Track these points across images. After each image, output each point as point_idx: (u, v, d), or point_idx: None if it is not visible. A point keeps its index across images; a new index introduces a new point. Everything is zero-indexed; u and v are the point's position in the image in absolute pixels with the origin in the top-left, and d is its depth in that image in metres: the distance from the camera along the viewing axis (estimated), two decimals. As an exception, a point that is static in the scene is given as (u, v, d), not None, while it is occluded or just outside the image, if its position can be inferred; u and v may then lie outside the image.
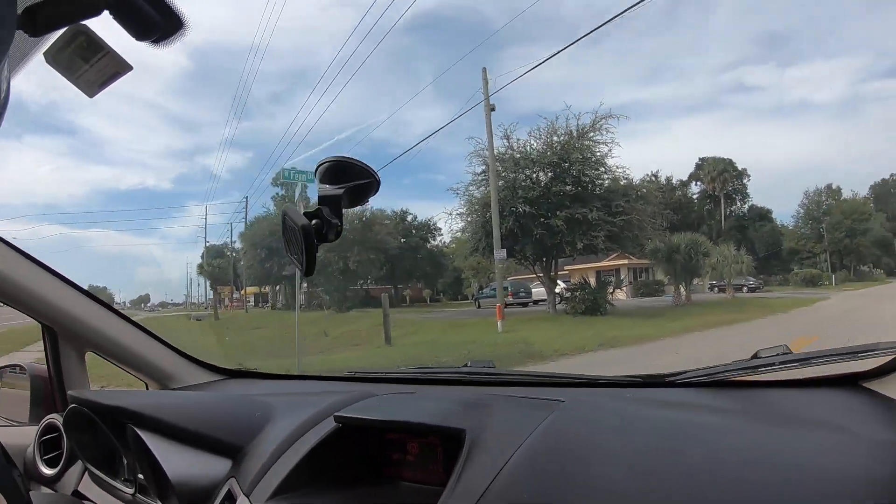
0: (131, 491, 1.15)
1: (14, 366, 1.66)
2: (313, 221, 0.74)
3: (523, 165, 16.70)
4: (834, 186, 41.04)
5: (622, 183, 16.97)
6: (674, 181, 41.97)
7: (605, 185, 16.90)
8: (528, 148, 17.09)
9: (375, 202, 26.47)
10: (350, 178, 0.79)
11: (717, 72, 60.88)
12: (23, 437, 1.50)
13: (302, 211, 0.75)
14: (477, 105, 15.54)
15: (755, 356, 1.03)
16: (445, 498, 0.75)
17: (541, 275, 18.02)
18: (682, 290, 21.64)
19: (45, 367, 1.52)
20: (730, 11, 52.65)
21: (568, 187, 16.09)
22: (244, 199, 35.70)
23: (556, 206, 15.79)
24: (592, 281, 21.16)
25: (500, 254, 15.24)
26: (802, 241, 38.46)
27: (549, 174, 16.43)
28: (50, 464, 1.44)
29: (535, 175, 16.64)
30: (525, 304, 22.03)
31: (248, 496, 0.93)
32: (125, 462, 1.18)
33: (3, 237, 1.26)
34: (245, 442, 1.07)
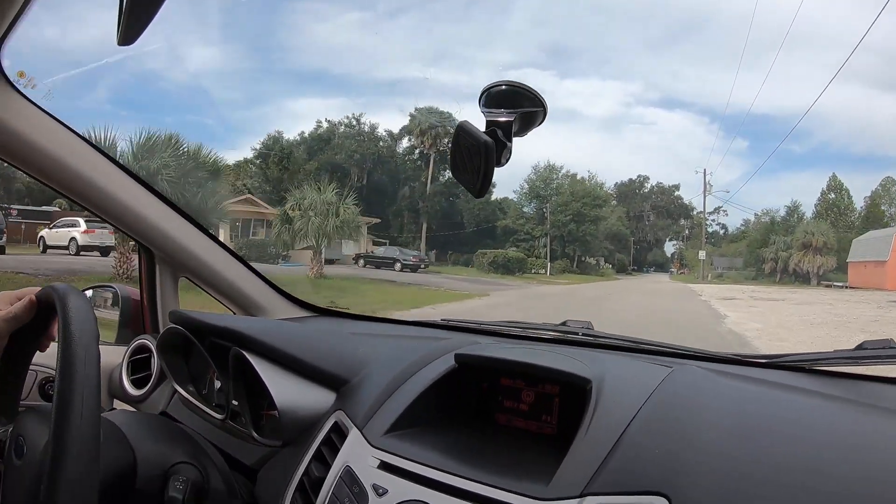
0: (222, 416, 1.12)
1: (105, 286, 1.68)
2: None
3: None
4: (578, 177, 35.14)
5: None
6: (394, 133, 34.60)
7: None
8: None
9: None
10: (519, 105, 0.73)
11: (501, 69, 61.95)
12: (110, 356, 1.47)
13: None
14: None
15: (860, 347, 1.01)
16: (578, 445, 0.76)
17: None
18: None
19: (136, 289, 1.56)
20: (523, 18, 55.02)
21: None
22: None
23: None
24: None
25: None
26: (521, 221, 30.91)
27: None
28: (137, 385, 1.44)
29: None
30: None
31: (360, 429, 0.91)
32: (216, 388, 1.18)
33: (114, 157, 1.25)
34: (351, 376, 1.07)
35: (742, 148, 49.84)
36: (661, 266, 47.95)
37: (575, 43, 61.64)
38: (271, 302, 1.54)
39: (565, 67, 59.16)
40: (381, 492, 0.80)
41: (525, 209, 32.35)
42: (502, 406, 0.97)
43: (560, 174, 33.18)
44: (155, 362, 1.39)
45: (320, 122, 34.17)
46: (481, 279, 19.81)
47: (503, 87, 0.73)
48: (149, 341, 1.42)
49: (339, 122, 34.06)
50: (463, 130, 0.71)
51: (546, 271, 27.43)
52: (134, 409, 1.37)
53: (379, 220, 23.35)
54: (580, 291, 16.44)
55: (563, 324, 1.34)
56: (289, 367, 1.03)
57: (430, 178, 32.21)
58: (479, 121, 0.73)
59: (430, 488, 0.78)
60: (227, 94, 38.12)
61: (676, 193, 48.28)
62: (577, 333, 1.27)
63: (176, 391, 1.24)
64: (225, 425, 1.11)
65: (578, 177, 33.70)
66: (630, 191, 49.56)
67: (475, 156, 0.70)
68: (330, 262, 20.54)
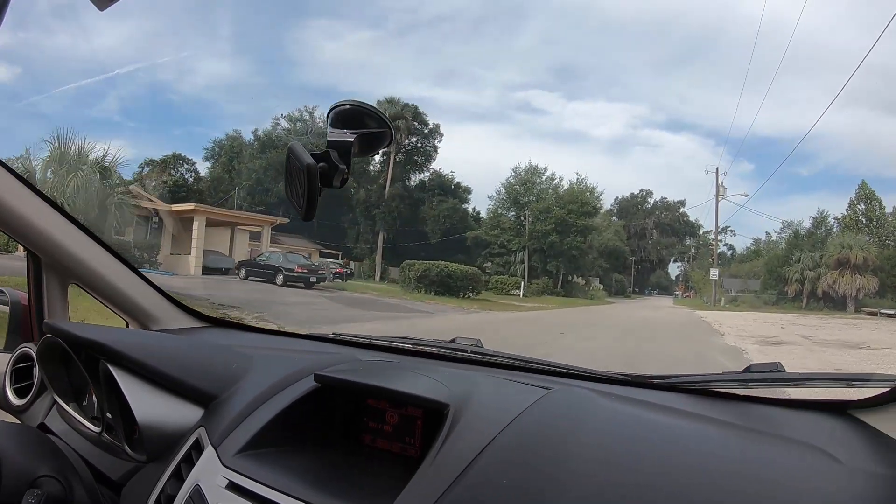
0: (98, 429, 1.09)
1: None
2: (319, 164, 0.71)
3: None
4: (565, 182, 30.36)
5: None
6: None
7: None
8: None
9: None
10: (363, 125, 0.75)
11: (508, 89, 60.15)
12: None
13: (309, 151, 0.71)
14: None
15: (748, 370, 1.01)
16: (423, 471, 0.74)
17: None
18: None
19: (28, 294, 1.48)
20: (532, 39, 54.61)
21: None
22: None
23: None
24: None
25: None
26: (496, 232, 25.97)
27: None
28: (20, 393, 1.40)
29: None
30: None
31: (216, 447, 0.90)
32: (95, 399, 1.15)
33: (2, 161, 1.20)
34: (219, 392, 1.05)
35: (748, 171, 48.01)
36: (666, 289, 45.20)
37: (582, 65, 61.90)
38: (163, 312, 1.50)
39: (572, 89, 60.36)
40: None
41: (503, 217, 27.38)
42: (367, 426, 0.96)
43: (544, 177, 28.29)
44: (37, 372, 1.35)
45: (277, 119, 30.07)
46: (383, 300, 14.70)
47: (348, 106, 0.73)
48: (32, 350, 1.37)
49: (290, 117, 29.78)
50: (291, 152, 0.71)
51: (520, 292, 22.39)
52: (14, 420, 1.33)
53: (287, 220, 18.47)
54: (521, 327, 11.11)
55: (453, 340, 1.33)
56: (157, 382, 1.01)
57: (389, 179, 27.47)
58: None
59: None
60: (234, 108, 39.64)
61: (682, 210, 44.90)
62: (465, 351, 1.28)
63: (55, 402, 1.21)
64: (101, 438, 1.08)
65: (565, 181, 28.69)
66: (631, 206, 45.88)
67: (299, 179, 0.69)
68: (215, 271, 15.67)
